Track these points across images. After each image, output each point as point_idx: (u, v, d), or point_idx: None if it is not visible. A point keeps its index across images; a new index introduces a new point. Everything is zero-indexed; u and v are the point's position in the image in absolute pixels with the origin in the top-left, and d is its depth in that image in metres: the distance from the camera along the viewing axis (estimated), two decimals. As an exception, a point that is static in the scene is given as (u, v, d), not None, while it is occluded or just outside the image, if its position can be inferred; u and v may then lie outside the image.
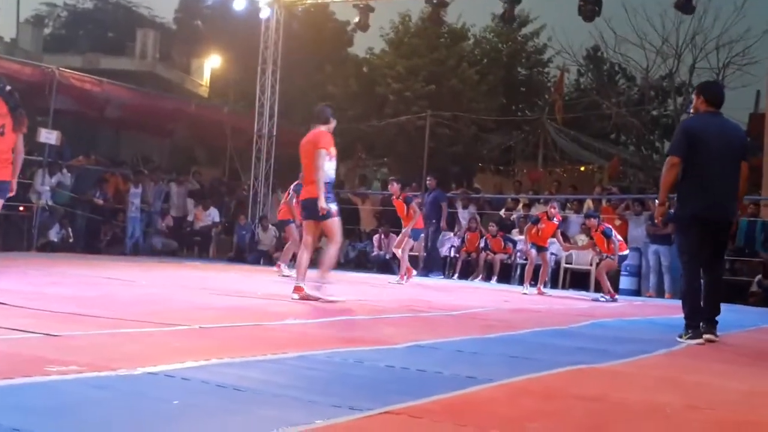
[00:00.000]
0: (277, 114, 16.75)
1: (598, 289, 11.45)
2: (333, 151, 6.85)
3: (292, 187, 10.73)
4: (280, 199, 15.54)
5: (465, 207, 15.86)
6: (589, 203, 15.18)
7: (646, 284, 13.01)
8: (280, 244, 14.92)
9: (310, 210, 6.80)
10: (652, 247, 12.83)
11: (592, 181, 20.76)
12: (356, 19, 16.27)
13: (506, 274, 14.11)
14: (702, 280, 5.60)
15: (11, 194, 6.40)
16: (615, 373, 3.83)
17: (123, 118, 16.64)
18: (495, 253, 14.23)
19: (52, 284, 6.83)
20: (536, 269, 11.50)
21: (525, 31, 26.00)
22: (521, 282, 12.19)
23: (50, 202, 13.74)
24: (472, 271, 14.49)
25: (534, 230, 11.27)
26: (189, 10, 30.89)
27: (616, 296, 10.86)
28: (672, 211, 5.96)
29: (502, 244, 14.28)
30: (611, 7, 17.70)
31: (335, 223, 6.82)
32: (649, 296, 12.63)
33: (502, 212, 15.94)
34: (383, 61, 23.20)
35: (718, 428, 2.78)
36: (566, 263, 13.77)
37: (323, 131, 6.92)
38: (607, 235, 10.66)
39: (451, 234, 15.30)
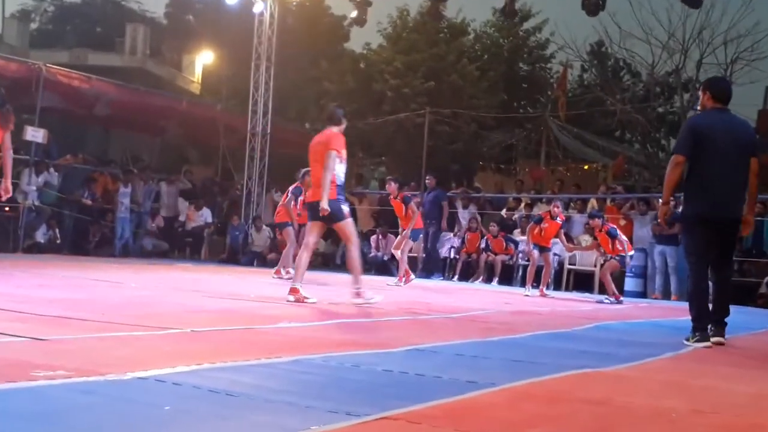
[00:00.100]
0: (272, 111, 16.57)
1: (603, 290, 11.37)
2: (344, 153, 6.85)
3: (291, 189, 10.76)
4: (275, 199, 15.33)
5: (465, 207, 15.80)
6: (593, 203, 15.14)
7: (652, 286, 12.97)
8: (274, 245, 14.67)
9: (318, 212, 6.76)
10: (658, 248, 12.78)
11: (596, 180, 20.63)
12: (353, 14, 16.07)
13: (508, 276, 14.08)
14: (710, 282, 5.58)
15: (8, 195, 6.34)
16: (620, 377, 3.82)
17: (112, 116, 16.47)
18: (496, 254, 14.16)
19: (39, 287, 6.82)
20: (538, 270, 11.46)
21: (527, 25, 25.79)
22: (523, 284, 12.24)
23: (37, 203, 13.65)
24: (472, 272, 14.39)
25: (537, 230, 11.18)
26: (180, 5, 30.64)
27: (621, 298, 10.84)
28: (679, 210, 5.76)
29: (504, 244, 14.22)
30: (616, 1, 17.59)
31: (349, 225, 6.94)
32: (655, 298, 12.61)
33: (503, 212, 15.88)
34: (381, 56, 22.87)
35: (722, 432, 2.77)
36: (569, 264, 13.74)
37: (336, 132, 6.91)
38: (613, 235, 10.62)
39: (451, 234, 15.23)
